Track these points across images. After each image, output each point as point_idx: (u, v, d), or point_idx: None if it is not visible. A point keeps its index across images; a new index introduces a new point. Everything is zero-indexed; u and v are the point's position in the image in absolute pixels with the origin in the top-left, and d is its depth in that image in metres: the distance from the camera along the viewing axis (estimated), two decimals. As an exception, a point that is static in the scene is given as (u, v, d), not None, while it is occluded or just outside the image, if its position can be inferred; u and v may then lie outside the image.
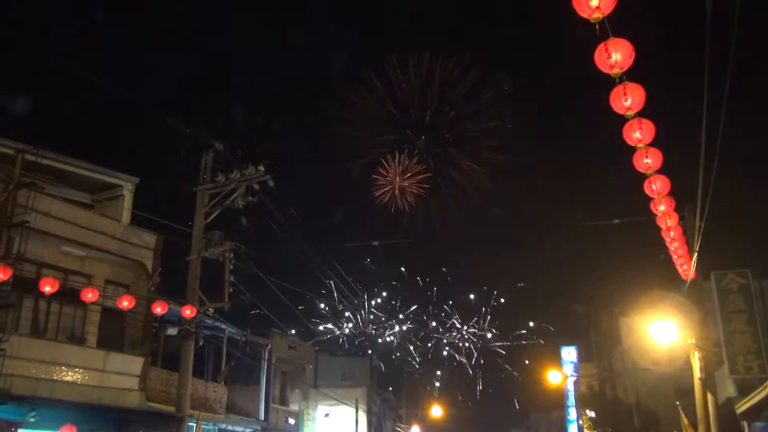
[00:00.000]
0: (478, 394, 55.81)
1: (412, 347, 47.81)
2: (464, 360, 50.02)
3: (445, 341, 51.10)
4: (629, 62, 7.37)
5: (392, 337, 45.17)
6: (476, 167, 50.63)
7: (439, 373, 49.64)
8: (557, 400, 42.07)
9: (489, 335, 52.22)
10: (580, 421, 34.95)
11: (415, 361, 48.34)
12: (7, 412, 15.03)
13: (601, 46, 7.24)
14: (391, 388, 46.33)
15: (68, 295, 17.13)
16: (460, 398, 53.25)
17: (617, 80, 7.69)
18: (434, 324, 51.47)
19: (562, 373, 37.43)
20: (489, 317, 52.87)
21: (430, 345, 50.30)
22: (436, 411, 47.81)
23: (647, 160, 9.50)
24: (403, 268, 51.42)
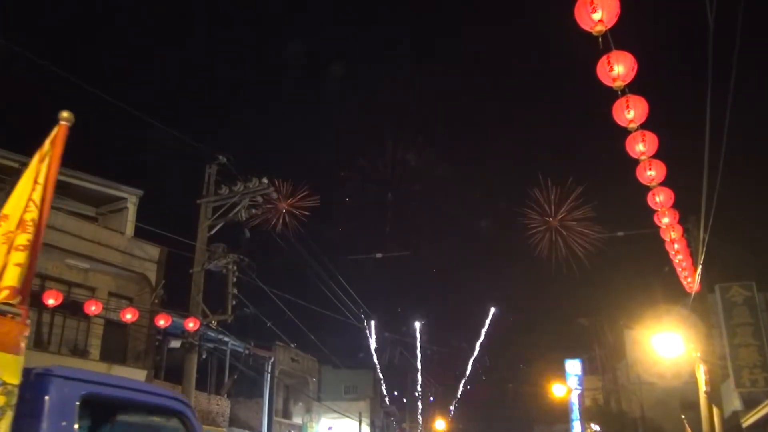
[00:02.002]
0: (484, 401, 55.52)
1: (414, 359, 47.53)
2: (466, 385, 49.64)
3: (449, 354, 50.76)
4: (632, 75, 7.38)
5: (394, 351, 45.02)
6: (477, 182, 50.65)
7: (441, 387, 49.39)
8: (562, 414, 41.82)
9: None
10: (585, 435, 34.76)
11: (418, 373, 48.08)
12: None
13: (604, 58, 7.26)
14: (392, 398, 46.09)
15: (71, 308, 17.13)
16: (460, 410, 52.95)
17: (620, 93, 7.71)
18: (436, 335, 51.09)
19: (567, 386, 37.24)
20: (486, 331, 52.53)
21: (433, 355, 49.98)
22: (440, 425, 47.57)
23: (650, 173, 9.51)
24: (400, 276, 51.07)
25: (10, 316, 3.71)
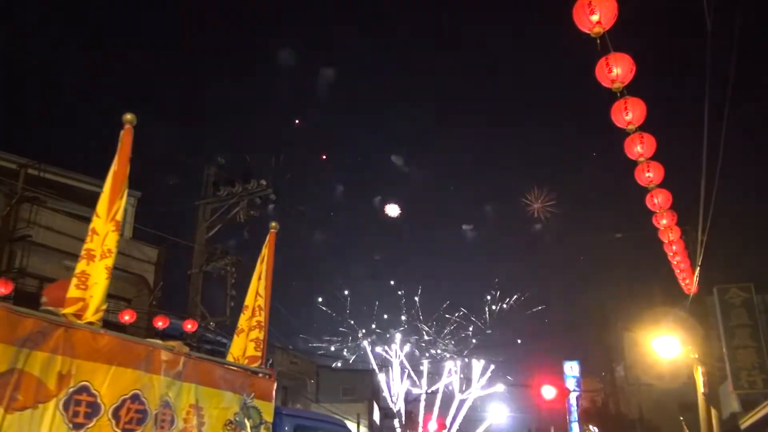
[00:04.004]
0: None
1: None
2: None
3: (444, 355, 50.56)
4: (630, 76, 7.40)
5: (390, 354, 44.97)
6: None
7: (438, 387, 49.21)
8: (560, 416, 41.81)
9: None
10: (584, 437, 34.76)
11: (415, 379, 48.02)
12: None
13: (602, 60, 7.27)
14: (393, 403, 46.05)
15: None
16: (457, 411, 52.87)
17: (618, 94, 7.73)
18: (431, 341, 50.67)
19: (564, 387, 37.19)
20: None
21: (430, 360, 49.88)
22: (432, 426, 47.45)
23: (649, 174, 9.54)
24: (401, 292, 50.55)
25: (263, 375, 5.55)
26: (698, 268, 14.30)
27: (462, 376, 44.88)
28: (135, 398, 4.08)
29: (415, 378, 44.09)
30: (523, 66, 77.71)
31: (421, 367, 44.70)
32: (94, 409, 3.84)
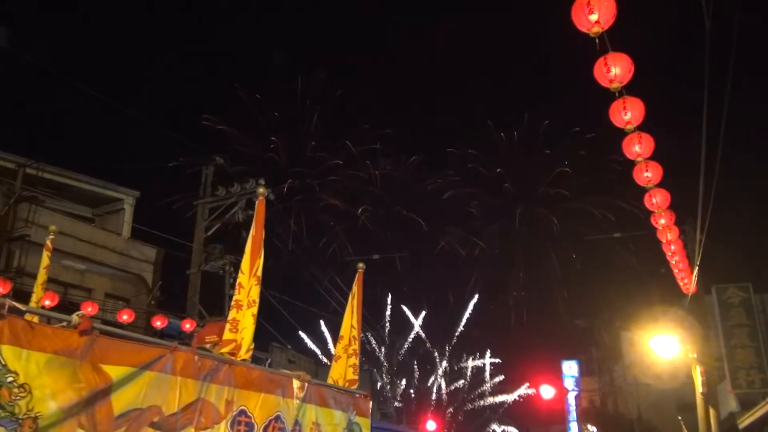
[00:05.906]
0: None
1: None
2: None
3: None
4: (629, 76, 7.39)
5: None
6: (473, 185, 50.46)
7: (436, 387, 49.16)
8: (558, 415, 41.82)
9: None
10: (582, 437, 34.76)
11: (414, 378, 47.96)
12: None
13: (601, 60, 7.27)
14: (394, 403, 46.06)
15: (68, 309, 17.07)
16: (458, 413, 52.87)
17: (617, 94, 7.72)
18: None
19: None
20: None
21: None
22: (431, 425, 47.45)
23: (647, 174, 9.54)
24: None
25: (360, 396, 6.76)
26: (696, 268, 14.32)
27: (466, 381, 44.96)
28: (277, 419, 5.16)
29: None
30: (519, 62, 77.52)
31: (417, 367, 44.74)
32: (250, 428, 4.89)
